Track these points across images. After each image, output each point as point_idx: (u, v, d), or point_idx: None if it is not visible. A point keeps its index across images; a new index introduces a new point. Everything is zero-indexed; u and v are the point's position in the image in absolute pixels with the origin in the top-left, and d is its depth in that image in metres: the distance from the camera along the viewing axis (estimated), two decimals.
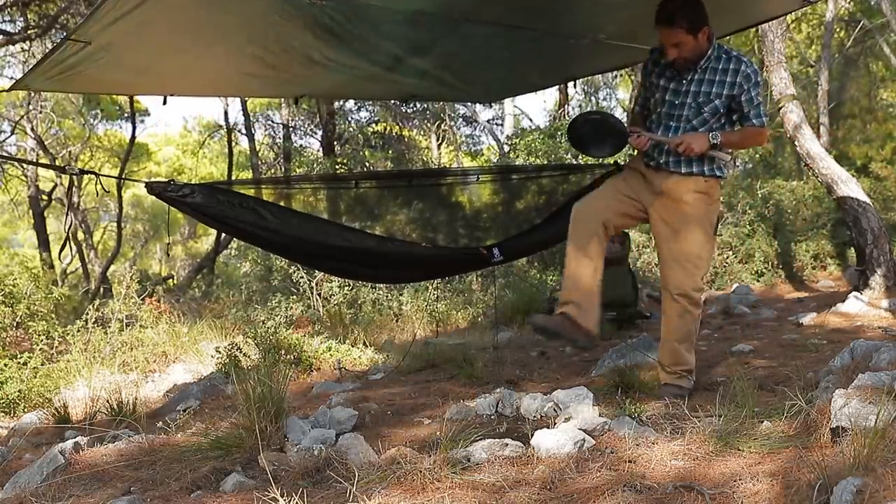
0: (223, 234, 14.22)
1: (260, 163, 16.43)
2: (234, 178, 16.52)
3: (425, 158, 14.87)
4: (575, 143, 3.49)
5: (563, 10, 3.30)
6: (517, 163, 9.63)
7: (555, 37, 3.60)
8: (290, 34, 3.33)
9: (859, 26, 14.32)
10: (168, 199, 3.63)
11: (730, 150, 3.21)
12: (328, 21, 3.13)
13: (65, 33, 9.96)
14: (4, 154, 12.92)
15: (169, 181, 3.65)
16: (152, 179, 3.70)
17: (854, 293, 6.17)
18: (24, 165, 15.18)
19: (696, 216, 3.14)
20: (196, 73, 3.89)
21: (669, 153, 3.14)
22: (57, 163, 14.85)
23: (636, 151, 3.35)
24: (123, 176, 11.34)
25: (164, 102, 3.99)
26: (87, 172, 3.93)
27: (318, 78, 4.13)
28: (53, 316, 6.54)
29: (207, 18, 3.01)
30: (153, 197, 3.73)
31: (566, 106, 13.14)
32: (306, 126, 16.27)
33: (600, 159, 4.22)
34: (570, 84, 10.76)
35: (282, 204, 4.01)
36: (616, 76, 17.95)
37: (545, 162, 9.20)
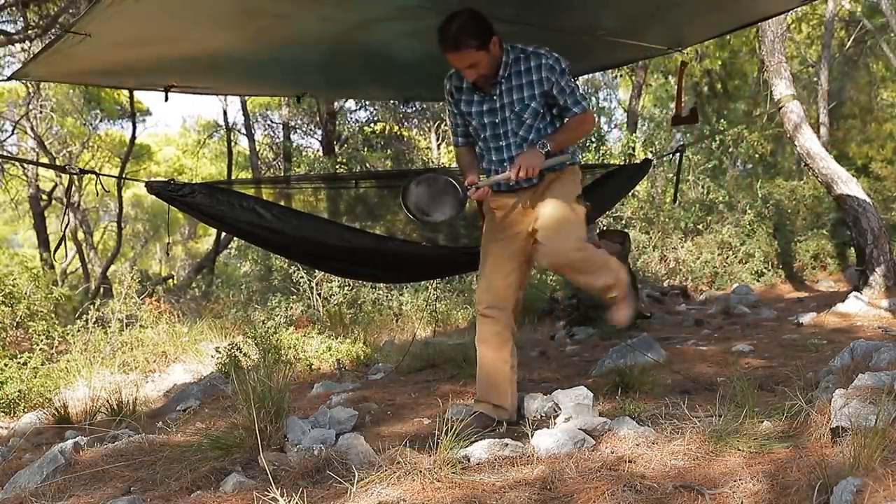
0: (223, 234, 14.23)
1: (260, 163, 16.42)
2: (233, 177, 16.52)
3: (425, 158, 14.86)
4: (413, 214, 3.12)
5: (561, 5, 3.30)
6: None
7: (552, 33, 3.60)
8: (291, 27, 3.33)
9: (859, 26, 14.33)
10: (168, 199, 3.63)
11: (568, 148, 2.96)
12: (327, 11, 3.12)
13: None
14: (5, 154, 12.92)
15: (169, 181, 3.66)
16: (152, 179, 3.71)
17: (854, 293, 6.18)
18: (25, 165, 15.18)
19: (555, 193, 2.93)
20: (197, 69, 3.87)
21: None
22: (57, 162, 14.86)
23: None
24: (124, 176, 11.35)
25: (166, 99, 3.98)
26: (88, 172, 3.94)
27: (318, 73, 4.12)
28: (53, 316, 6.54)
29: (208, 7, 3.01)
30: (153, 197, 3.73)
31: None
32: (306, 126, 16.28)
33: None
34: None
35: (282, 203, 4.01)
36: (616, 77, 17.95)
37: None
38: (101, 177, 3.83)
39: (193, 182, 3.96)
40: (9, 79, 3.53)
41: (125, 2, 2.56)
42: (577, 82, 2.93)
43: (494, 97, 2.90)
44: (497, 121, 2.92)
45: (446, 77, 3.05)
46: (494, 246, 3.03)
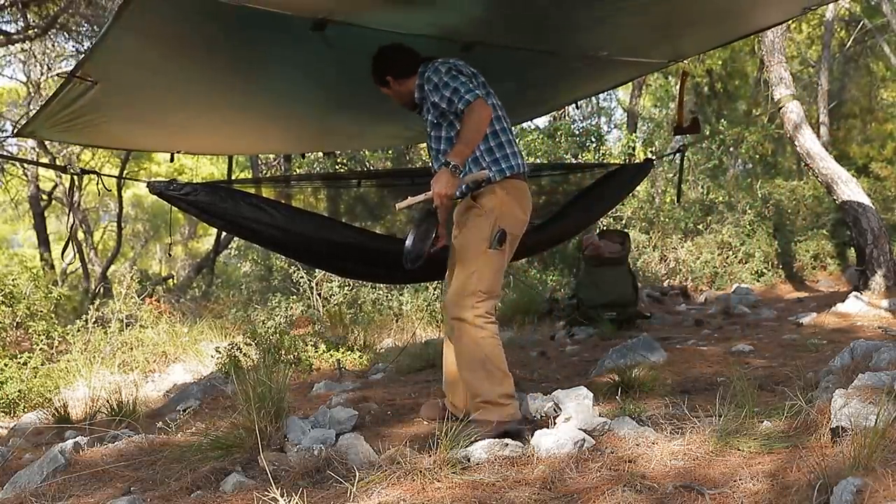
0: (223, 234, 14.21)
1: (260, 163, 16.40)
2: (234, 178, 16.50)
3: (425, 158, 14.87)
4: (417, 262, 2.93)
5: (565, 30, 3.29)
6: None
7: (557, 59, 3.60)
8: (294, 78, 3.35)
9: (859, 26, 14.33)
10: (169, 198, 3.64)
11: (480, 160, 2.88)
12: (332, 55, 3.14)
13: (64, 34, 9.96)
14: (5, 154, 12.90)
15: (170, 180, 3.66)
16: (154, 179, 3.71)
17: (854, 293, 6.17)
18: (25, 165, 15.17)
19: (464, 229, 2.88)
20: (204, 128, 3.91)
21: None
22: (57, 162, 14.85)
23: None
24: (124, 176, 11.35)
25: (172, 160, 4.03)
26: (89, 172, 3.95)
27: (326, 136, 4.16)
28: (53, 316, 6.53)
29: (214, 60, 3.03)
30: (153, 196, 3.74)
31: (566, 107, 13.12)
32: None
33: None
34: None
35: (283, 202, 4.02)
36: None
37: (544, 162, 9.21)
38: (102, 177, 3.84)
39: (195, 182, 3.96)
40: (16, 135, 3.55)
41: (126, 41, 2.57)
42: (461, 79, 2.78)
43: (424, 119, 3.05)
44: (427, 139, 3.08)
45: None
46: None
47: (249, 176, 16.70)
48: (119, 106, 3.17)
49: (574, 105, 4.96)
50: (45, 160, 14.54)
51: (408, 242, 2.88)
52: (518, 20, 3.12)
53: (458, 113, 2.79)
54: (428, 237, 2.85)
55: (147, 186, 3.70)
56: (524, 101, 4.55)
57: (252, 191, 4.02)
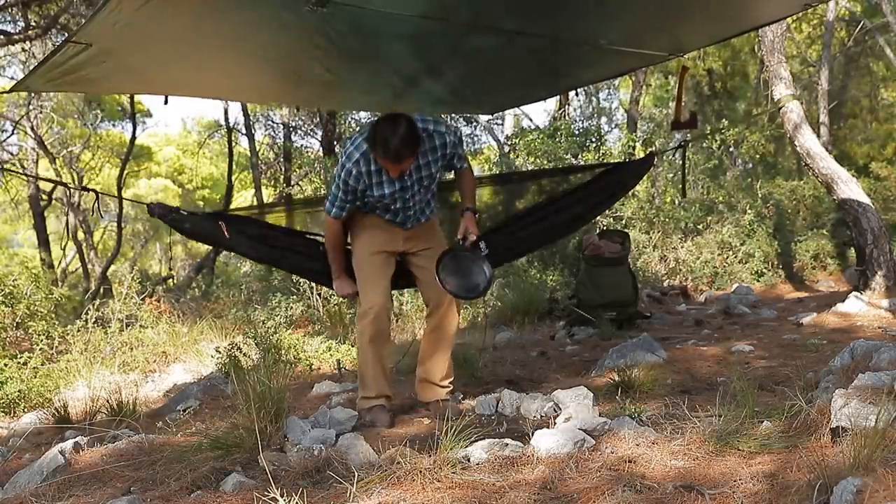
0: None
1: (260, 163, 16.39)
2: (233, 178, 16.55)
3: None
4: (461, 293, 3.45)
5: (564, 15, 3.29)
6: (517, 163, 9.64)
7: (555, 45, 3.59)
8: (291, 46, 3.34)
9: (860, 26, 14.33)
10: (169, 224, 3.67)
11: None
12: (331, 32, 3.13)
13: (65, 34, 9.95)
14: (11, 169, 12.98)
15: (173, 209, 3.70)
16: (154, 203, 3.71)
17: (854, 293, 6.17)
18: (24, 164, 15.16)
19: (441, 244, 3.51)
20: (197, 81, 3.89)
21: (419, 216, 3.41)
22: (58, 163, 14.87)
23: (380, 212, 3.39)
24: (122, 183, 11.37)
25: (166, 102, 4.01)
26: (89, 190, 4.07)
27: (320, 91, 4.14)
28: (53, 316, 6.52)
29: (208, 27, 3.01)
30: (153, 197, 3.74)
31: (566, 106, 13.12)
32: (306, 126, 16.24)
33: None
34: None
35: (284, 225, 4.05)
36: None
37: (544, 162, 9.21)
38: (100, 195, 3.90)
39: (196, 212, 4.00)
40: (10, 90, 3.55)
41: (123, 11, 2.56)
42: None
43: (405, 177, 3.19)
44: (408, 196, 3.29)
45: (349, 161, 3.16)
46: (376, 258, 3.40)
47: (249, 174, 16.72)
48: (113, 62, 3.15)
49: (574, 93, 4.98)
50: (44, 160, 14.55)
51: (477, 279, 3.37)
52: (516, 2, 3.12)
53: (458, 171, 3.47)
54: (485, 262, 3.39)
55: (147, 210, 3.71)
56: (520, 88, 4.54)
57: (256, 213, 4.08)
